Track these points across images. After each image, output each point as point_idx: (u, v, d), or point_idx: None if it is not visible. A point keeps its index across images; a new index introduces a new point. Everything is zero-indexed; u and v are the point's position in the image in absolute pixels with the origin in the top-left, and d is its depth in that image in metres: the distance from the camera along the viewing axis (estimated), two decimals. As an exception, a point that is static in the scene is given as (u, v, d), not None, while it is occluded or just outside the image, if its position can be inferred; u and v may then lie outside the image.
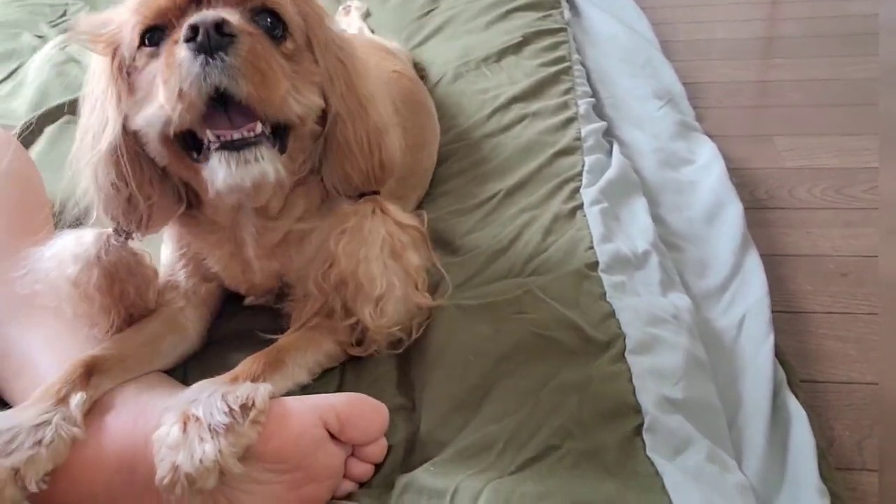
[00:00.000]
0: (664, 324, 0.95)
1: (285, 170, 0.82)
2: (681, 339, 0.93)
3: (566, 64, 1.65)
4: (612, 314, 0.95)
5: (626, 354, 0.88)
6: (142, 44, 0.81)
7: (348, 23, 1.84)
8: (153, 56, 0.80)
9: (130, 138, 0.84)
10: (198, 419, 0.72)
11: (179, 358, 0.99)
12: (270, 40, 0.80)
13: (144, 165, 0.86)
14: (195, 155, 0.81)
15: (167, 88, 0.76)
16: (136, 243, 0.93)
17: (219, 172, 0.77)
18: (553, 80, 1.58)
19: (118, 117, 0.83)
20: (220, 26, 0.73)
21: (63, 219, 1.22)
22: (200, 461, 0.69)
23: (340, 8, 1.93)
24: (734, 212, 1.31)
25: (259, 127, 0.78)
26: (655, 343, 0.91)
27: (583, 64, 1.76)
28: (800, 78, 1.95)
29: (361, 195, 0.94)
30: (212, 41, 0.73)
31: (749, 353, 1.03)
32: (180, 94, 0.75)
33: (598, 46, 1.91)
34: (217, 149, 0.77)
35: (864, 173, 1.54)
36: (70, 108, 1.63)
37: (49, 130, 1.56)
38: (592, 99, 1.57)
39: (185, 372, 0.99)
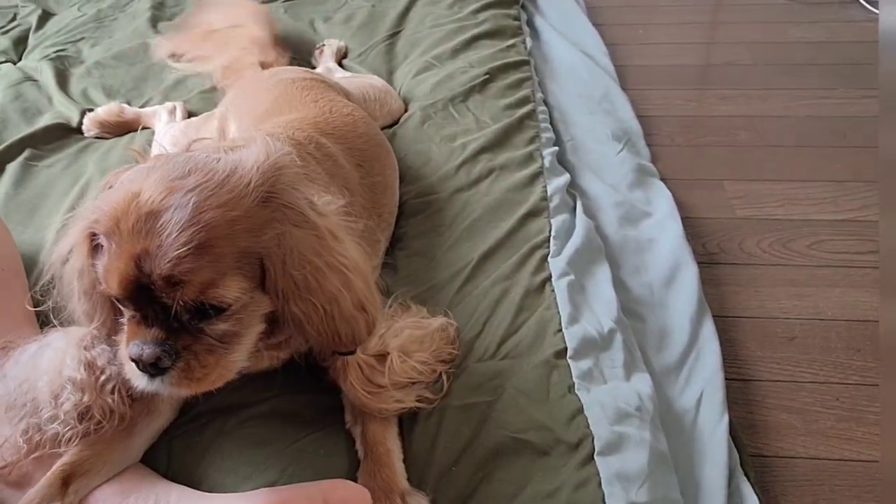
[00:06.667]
0: (629, 419, 1.02)
1: None
2: (645, 434, 1.01)
3: (530, 106, 1.71)
4: (581, 410, 1.02)
5: (595, 457, 0.96)
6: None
7: (320, 62, 1.85)
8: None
9: None
10: None
11: (153, 436, 1.01)
12: (204, 319, 0.82)
13: None
14: None
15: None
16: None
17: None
18: (518, 126, 1.63)
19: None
20: (155, 364, 0.80)
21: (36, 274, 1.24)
22: None
23: (315, 48, 1.94)
24: (690, 275, 1.39)
25: None
26: (622, 442, 0.98)
27: (545, 102, 1.81)
28: (748, 114, 2.03)
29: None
30: (150, 370, 0.81)
31: (706, 435, 1.11)
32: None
33: (558, 80, 1.96)
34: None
35: (808, 226, 1.63)
36: (31, 141, 1.61)
37: (11, 168, 1.55)
38: (556, 147, 1.62)
39: (168, 451, 1.01)
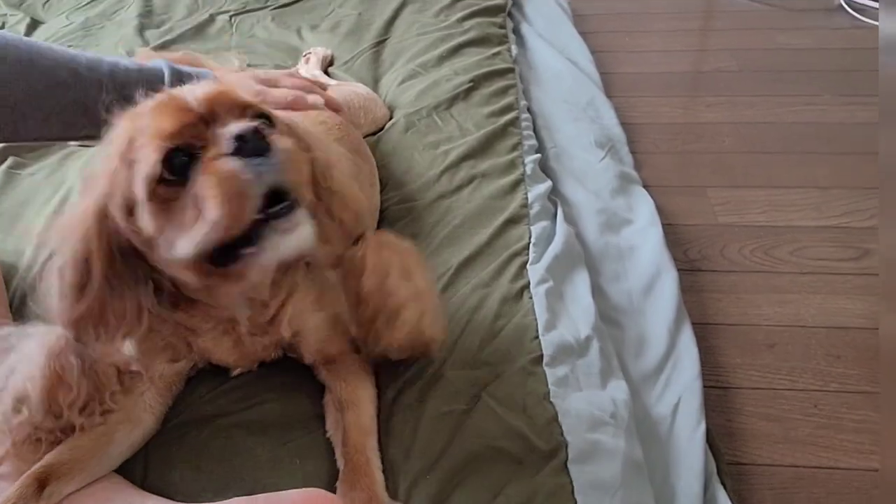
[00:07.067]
0: (603, 427, 1.02)
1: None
2: (619, 442, 1.00)
3: (514, 114, 1.71)
4: (555, 418, 1.01)
5: (569, 464, 0.95)
6: (162, 179, 0.80)
7: (307, 70, 1.86)
8: (178, 186, 0.80)
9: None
10: None
11: (134, 446, 1.00)
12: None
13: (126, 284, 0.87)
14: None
15: (219, 201, 0.76)
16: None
17: (269, 247, 0.80)
18: (501, 133, 1.63)
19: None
20: (258, 132, 0.78)
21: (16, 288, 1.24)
22: None
23: (302, 56, 1.94)
24: (670, 281, 1.39)
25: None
26: (595, 451, 0.98)
27: (529, 109, 1.82)
28: (734, 121, 2.03)
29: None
30: (258, 146, 0.78)
31: (683, 442, 1.11)
32: (236, 202, 0.77)
33: (543, 86, 1.96)
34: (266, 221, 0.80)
35: (791, 233, 1.63)
36: (15, 149, 1.61)
37: (-8, 177, 1.54)
38: (538, 155, 1.63)
39: (145, 461, 1.00)
